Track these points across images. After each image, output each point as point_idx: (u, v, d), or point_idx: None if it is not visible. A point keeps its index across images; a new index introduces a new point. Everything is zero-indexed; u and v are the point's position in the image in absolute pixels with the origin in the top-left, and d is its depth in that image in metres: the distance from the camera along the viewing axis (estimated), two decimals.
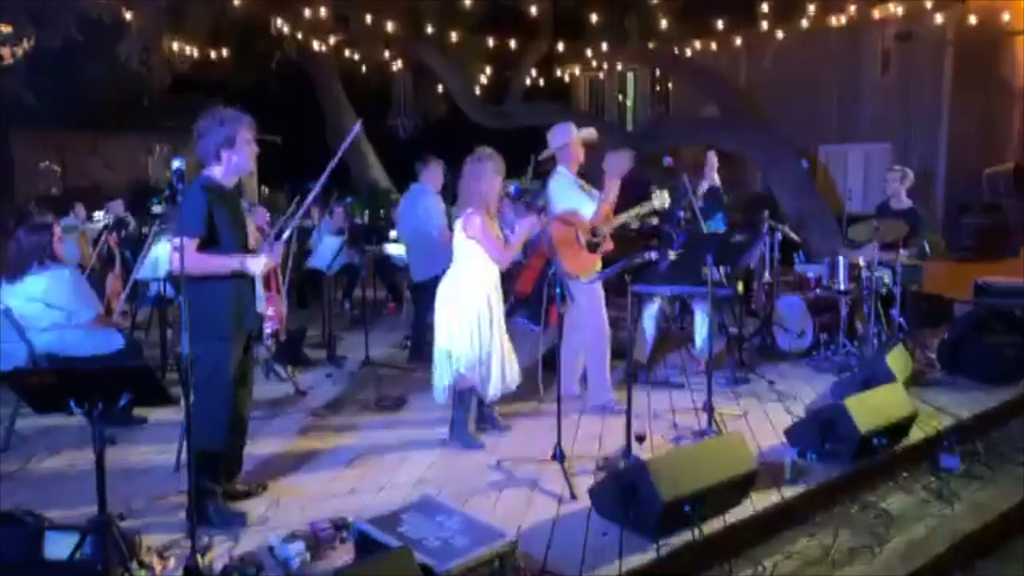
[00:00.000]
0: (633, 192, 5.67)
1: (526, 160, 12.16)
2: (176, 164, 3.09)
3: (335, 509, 3.73)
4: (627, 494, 3.54)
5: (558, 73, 17.59)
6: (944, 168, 13.17)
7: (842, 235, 7.36)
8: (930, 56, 13.05)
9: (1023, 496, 4.41)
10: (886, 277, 6.47)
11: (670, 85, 18.28)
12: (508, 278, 4.87)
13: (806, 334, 6.80)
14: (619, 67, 18.85)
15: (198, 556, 3.08)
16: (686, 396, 5.74)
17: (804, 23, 12.68)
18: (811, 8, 12.34)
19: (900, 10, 12.55)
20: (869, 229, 6.43)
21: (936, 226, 11.60)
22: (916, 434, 4.81)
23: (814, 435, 4.45)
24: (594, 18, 13.65)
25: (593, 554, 3.40)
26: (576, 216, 5.21)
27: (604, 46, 14.63)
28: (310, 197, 4.10)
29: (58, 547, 3.04)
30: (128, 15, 11.62)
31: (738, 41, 14.37)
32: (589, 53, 15.84)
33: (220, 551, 3.37)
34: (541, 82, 16.79)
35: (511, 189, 4.63)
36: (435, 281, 4.83)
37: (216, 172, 3.63)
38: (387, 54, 15.51)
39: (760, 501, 3.91)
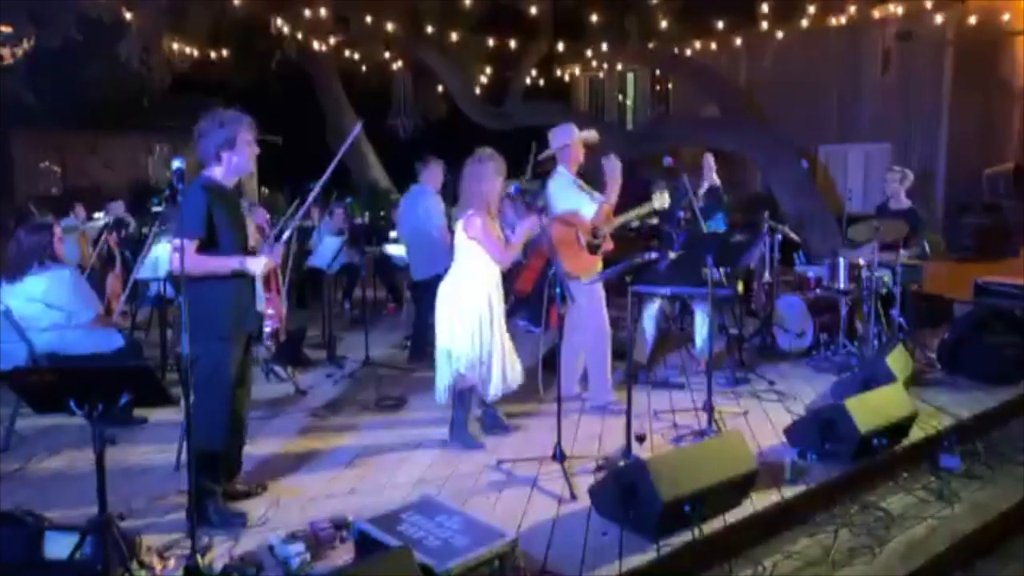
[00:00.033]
0: (633, 192, 5.67)
1: (526, 154, 12.16)
2: (176, 164, 3.09)
3: (335, 509, 3.73)
4: (627, 494, 3.54)
5: (558, 73, 17.58)
6: (944, 168, 13.17)
7: (842, 235, 7.37)
8: (930, 56, 13.05)
9: (1023, 496, 4.41)
10: (886, 277, 6.47)
11: (670, 85, 18.27)
12: (508, 277, 4.88)
13: (806, 334, 6.81)
14: (619, 67, 18.84)
15: (198, 556, 3.08)
16: (686, 396, 5.74)
17: (804, 23, 12.67)
18: (811, 8, 12.34)
19: (900, 10, 12.54)
20: (869, 229, 6.43)
21: (936, 226, 11.60)
22: (916, 434, 4.81)
23: (814, 435, 4.46)
24: (594, 18, 13.65)
25: (593, 554, 3.40)
26: (576, 217, 5.21)
27: (604, 46, 14.62)
28: (310, 198, 4.11)
29: (58, 547, 3.04)
30: (128, 15, 11.61)
31: (738, 41, 14.37)
32: (589, 53, 15.83)
33: (220, 551, 3.38)
34: (541, 82, 16.78)
35: (511, 189, 4.63)
36: (435, 280, 4.83)
37: (216, 173, 3.63)
38: (387, 54, 15.50)
39: (760, 501, 3.91)
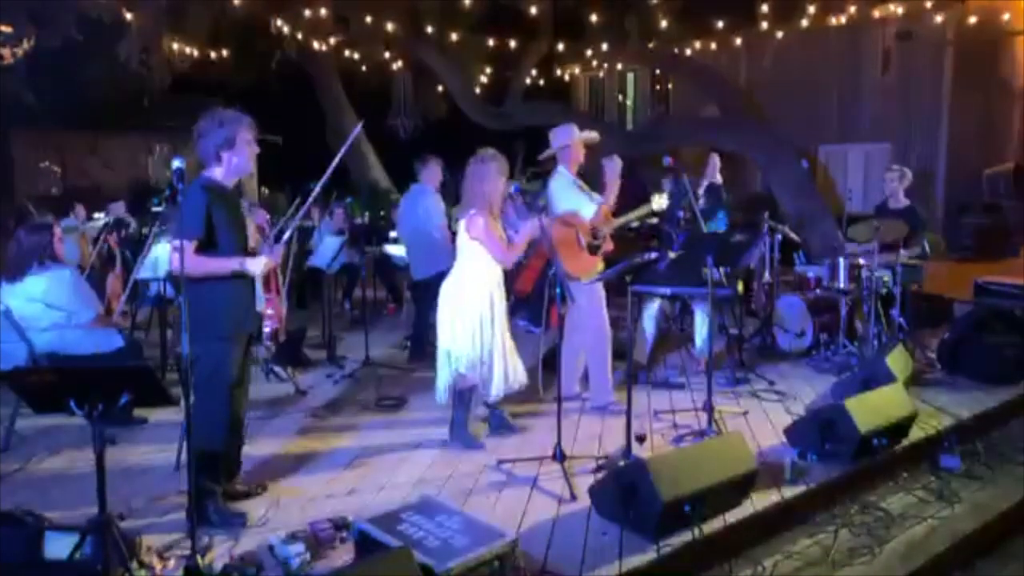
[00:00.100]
0: (633, 192, 5.68)
1: (513, 160, 12.17)
2: (176, 164, 3.09)
3: (335, 509, 3.73)
4: (627, 494, 3.54)
5: (558, 73, 17.60)
6: (944, 168, 13.17)
7: (842, 235, 7.37)
8: (930, 56, 13.05)
9: (1023, 496, 4.41)
10: (886, 277, 6.47)
11: (670, 85, 18.28)
12: (508, 277, 4.88)
13: (806, 334, 6.81)
14: (619, 67, 18.85)
15: (198, 556, 3.08)
16: (686, 396, 5.74)
17: (804, 23, 12.69)
18: (811, 8, 12.35)
19: (900, 10, 12.55)
20: (869, 229, 6.44)
21: (936, 226, 11.60)
22: (916, 434, 4.80)
23: (814, 435, 4.45)
24: (594, 18, 13.66)
25: (593, 554, 3.40)
26: (576, 217, 5.21)
27: (604, 46, 14.63)
28: (310, 198, 4.11)
29: (58, 547, 3.04)
30: (128, 15, 11.61)
31: (738, 41, 14.38)
32: (589, 53, 15.85)
33: (220, 551, 3.38)
34: (541, 82, 16.80)
35: (511, 189, 4.63)
36: (435, 280, 4.83)
37: (216, 173, 3.63)
38: (387, 54, 15.51)
39: (760, 501, 3.91)
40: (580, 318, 5.24)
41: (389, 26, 13.08)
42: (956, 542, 3.91)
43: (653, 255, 4.76)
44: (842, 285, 6.59)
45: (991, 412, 5.44)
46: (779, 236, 7.22)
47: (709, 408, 4.87)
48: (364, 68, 16.25)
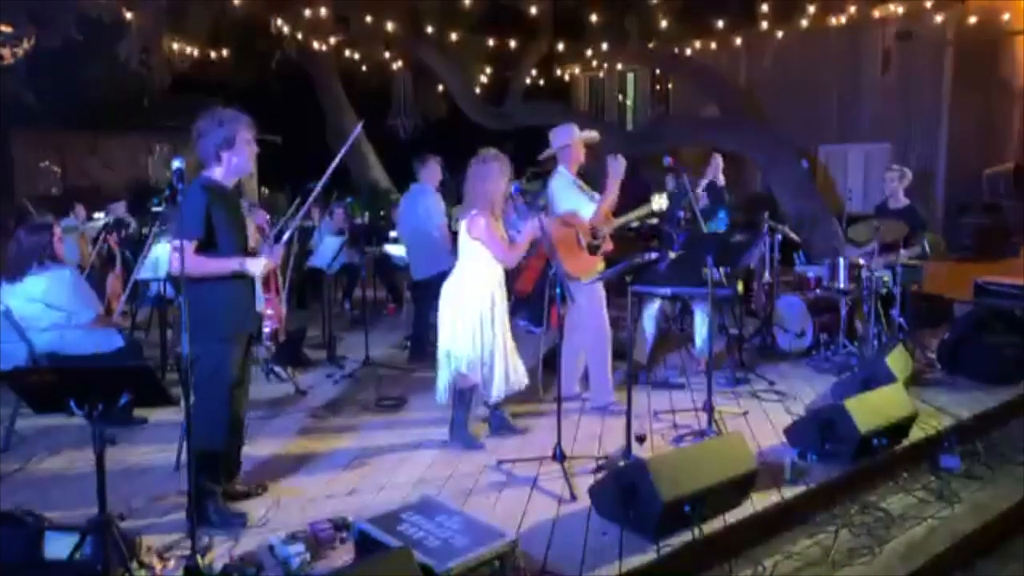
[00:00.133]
0: (633, 192, 5.68)
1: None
2: (176, 164, 3.09)
3: (335, 509, 3.73)
4: (627, 494, 3.54)
5: (558, 73, 17.60)
6: (944, 168, 13.17)
7: (842, 235, 7.37)
8: (930, 56, 13.04)
9: (1023, 496, 4.41)
10: (886, 277, 6.47)
11: (670, 85, 18.28)
12: (508, 278, 4.88)
13: (806, 334, 6.81)
14: (619, 67, 18.85)
15: (198, 556, 3.08)
16: (686, 396, 5.74)
17: (804, 23, 12.68)
18: (811, 8, 12.34)
19: (900, 10, 12.55)
20: (869, 229, 6.43)
21: (936, 226, 11.60)
22: (916, 434, 4.80)
23: (814, 435, 4.45)
24: (594, 18, 13.66)
25: (593, 554, 3.40)
26: (576, 217, 5.21)
27: (604, 46, 14.63)
28: (311, 198, 4.11)
29: (58, 547, 3.04)
30: (128, 15, 11.61)
31: (738, 41, 14.37)
32: (589, 53, 15.84)
33: (220, 551, 3.38)
34: (541, 82, 16.80)
35: (511, 188, 4.63)
36: (435, 280, 4.83)
37: (216, 173, 3.63)
38: (387, 54, 15.51)
39: (760, 501, 3.91)
40: (580, 318, 5.24)
41: (389, 26, 13.08)
42: (956, 542, 3.91)
43: (653, 255, 4.76)
44: (842, 285, 6.59)
45: (991, 412, 5.44)
46: (779, 236, 7.22)
47: (709, 408, 4.87)
48: (364, 68, 16.25)
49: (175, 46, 13.23)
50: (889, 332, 6.49)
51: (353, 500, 3.93)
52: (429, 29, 13.69)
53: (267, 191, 19.02)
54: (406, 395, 5.70)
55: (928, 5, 11.95)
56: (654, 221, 7.79)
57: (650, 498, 3.43)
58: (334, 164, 3.87)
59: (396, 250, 8.42)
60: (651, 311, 6.28)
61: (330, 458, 4.54)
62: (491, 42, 14.48)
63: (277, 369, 6.11)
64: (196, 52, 13.57)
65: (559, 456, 4.23)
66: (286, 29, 13.17)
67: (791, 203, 11.46)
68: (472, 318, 4.49)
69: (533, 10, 13.37)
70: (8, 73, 12.17)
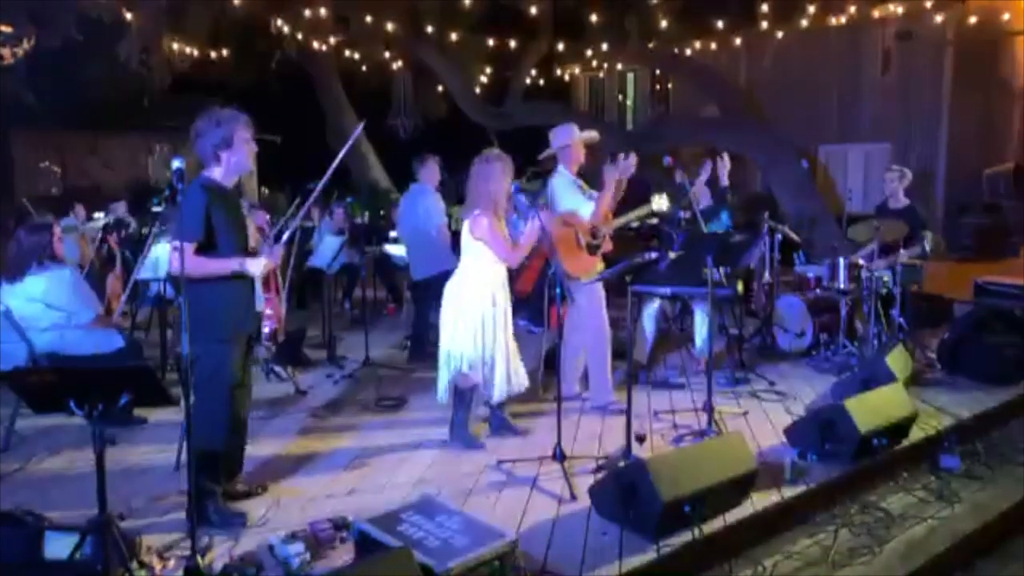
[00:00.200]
0: (633, 192, 5.68)
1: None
2: (176, 164, 3.08)
3: (335, 509, 3.73)
4: (627, 494, 3.54)
5: (558, 73, 17.60)
6: (944, 168, 13.17)
7: (842, 235, 7.36)
8: (930, 56, 13.05)
9: (1023, 496, 4.41)
10: (886, 277, 6.47)
11: (670, 85, 18.28)
12: (508, 278, 4.88)
13: (806, 334, 6.81)
14: (619, 67, 18.86)
15: (198, 556, 3.07)
16: (686, 396, 5.74)
17: (804, 23, 12.69)
18: (811, 8, 12.35)
19: (900, 10, 12.56)
20: (869, 229, 6.43)
21: (936, 226, 11.60)
22: (916, 434, 4.80)
23: (814, 435, 4.45)
24: (594, 18, 13.67)
25: (593, 554, 3.40)
26: (575, 217, 5.21)
27: (604, 46, 14.64)
28: (311, 198, 4.11)
29: (58, 547, 3.04)
30: (128, 15, 11.62)
31: (738, 41, 14.38)
32: (589, 53, 15.85)
33: (220, 551, 3.37)
34: (541, 82, 16.80)
35: (511, 188, 4.63)
36: (435, 280, 4.83)
37: (216, 173, 3.63)
38: (387, 54, 15.52)
39: (760, 501, 3.91)
40: (580, 318, 5.24)
41: (389, 26, 13.09)
42: (956, 542, 3.90)
43: (653, 255, 4.75)
44: (842, 285, 6.59)
45: (991, 412, 5.44)
46: (779, 236, 7.22)
47: (709, 408, 4.87)
48: (364, 68, 16.26)
49: (175, 46, 13.24)
50: (889, 332, 6.49)
51: (353, 500, 3.93)
52: (429, 29, 13.70)
53: (267, 191, 19.03)
54: (406, 395, 5.70)
55: (928, 5, 11.95)
56: (654, 221, 7.79)
57: (650, 498, 3.43)
58: (335, 164, 3.87)
59: (396, 250, 8.42)
60: (651, 311, 6.28)
61: (330, 458, 4.54)
62: (491, 42, 14.48)
63: (277, 369, 6.11)
64: (196, 52, 13.59)
65: (559, 456, 4.23)
66: (286, 29, 13.18)
67: (791, 203, 11.46)
68: (473, 318, 4.49)
69: (533, 10, 13.38)
70: (8, 73, 12.18)
